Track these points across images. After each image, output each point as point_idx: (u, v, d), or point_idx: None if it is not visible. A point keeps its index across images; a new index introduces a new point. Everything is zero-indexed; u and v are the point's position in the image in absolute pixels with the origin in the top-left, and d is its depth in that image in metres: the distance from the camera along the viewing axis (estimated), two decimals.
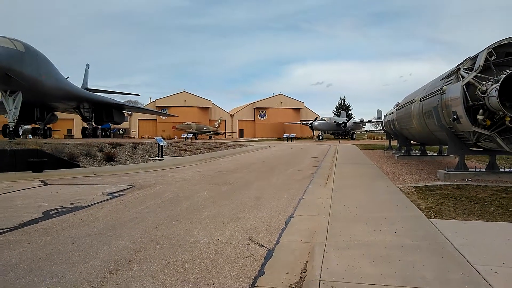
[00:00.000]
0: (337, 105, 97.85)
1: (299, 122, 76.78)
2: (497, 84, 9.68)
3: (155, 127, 75.52)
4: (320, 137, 63.72)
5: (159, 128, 74.11)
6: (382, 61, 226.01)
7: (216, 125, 73.37)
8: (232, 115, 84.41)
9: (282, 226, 6.79)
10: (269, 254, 5.32)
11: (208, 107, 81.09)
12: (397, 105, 23.19)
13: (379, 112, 64.17)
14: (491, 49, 11.00)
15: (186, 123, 65.15)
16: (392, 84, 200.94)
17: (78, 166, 15.71)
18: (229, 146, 34.82)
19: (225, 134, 77.03)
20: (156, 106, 75.88)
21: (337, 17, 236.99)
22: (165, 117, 69.24)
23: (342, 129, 63.93)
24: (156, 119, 75.79)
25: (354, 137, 67.11)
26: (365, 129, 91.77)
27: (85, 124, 41.93)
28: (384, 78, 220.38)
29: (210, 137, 67.55)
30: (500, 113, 10.14)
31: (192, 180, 12.71)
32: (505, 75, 9.59)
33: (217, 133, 71.28)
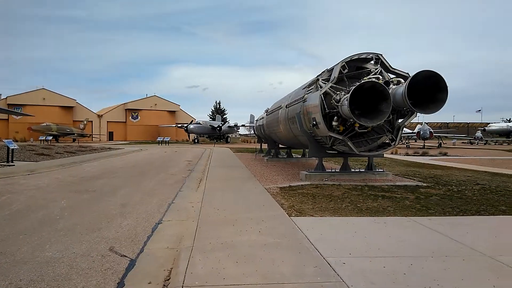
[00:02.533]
0: (213, 109, 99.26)
1: (174, 125, 75.42)
2: (348, 95, 10.90)
3: (6, 128, 65.86)
4: (196, 141, 63.70)
5: (12, 129, 64.86)
6: (258, 68, 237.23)
7: (82, 126, 67.40)
8: (100, 116, 78.56)
9: (148, 233, 6.50)
10: (132, 264, 5.02)
11: (72, 107, 74.03)
12: (267, 111, 24.49)
13: (252, 116, 67.02)
14: (344, 63, 12.38)
15: (44, 124, 58.36)
16: (266, 91, 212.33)
17: None
18: (95, 149, 32.36)
19: (92, 137, 71.38)
20: (8, 104, 66.31)
21: (218, 22, 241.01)
22: (19, 117, 61.01)
23: (217, 132, 64.90)
24: (8, 119, 66.17)
25: (229, 140, 68.79)
26: (239, 132, 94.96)
27: None
28: (259, 84, 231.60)
29: (74, 140, 61.76)
30: (351, 120, 11.42)
31: (48, 188, 11.38)
32: (354, 87, 10.86)
33: (83, 136, 65.56)
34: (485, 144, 61.16)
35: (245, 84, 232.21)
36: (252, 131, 48.92)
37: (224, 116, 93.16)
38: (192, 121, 66.28)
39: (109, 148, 37.30)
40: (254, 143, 48.36)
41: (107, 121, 79.09)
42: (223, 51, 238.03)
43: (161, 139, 55.88)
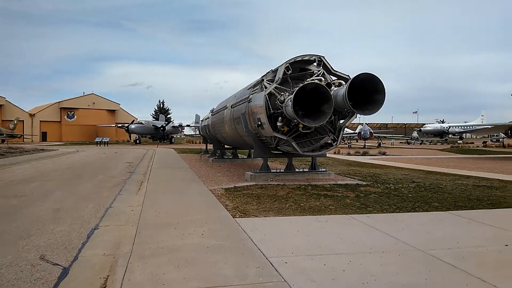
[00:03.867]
0: (156, 108, 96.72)
1: (114, 125, 72.47)
2: (292, 96, 11.06)
3: None
4: (138, 141, 61.70)
5: None
6: (204, 67, 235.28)
7: (12, 126, 62.70)
8: (32, 115, 73.50)
9: (83, 239, 6.11)
10: (65, 272, 4.67)
11: (1, 105, 68.76)
12: (212, 111, 24.27)
13: (197, 116, 66.16)
14: (288, 64, 12.55)
15: None
16: (211, 91, 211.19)
17: None
18: (27, 151, 30.25)
19: (23, 137, 66.68)
20: None
21: (162, 19, 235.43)
22: None
23: (160, 133, 63.37)
24: None
25: (173, 141, 67.40)
26: (184, 133, 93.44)
27: None
28: (204, 84, 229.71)
29: (3, 141, 57.36)
30: (295, 120, 11.60)
31: None
32: (297, 88, 11.03)
33: (13, 136, 60.96)
34: (420, 143, 65.23)
35: (190, 83, 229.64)
36: (198, 131, 48.33)
37: (168, 116, 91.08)
38: (134, 120, 64.20)
39: (42, 149, 35.06)
40: (200, 143, 47.82)
41: (40, 121, 74.18)
42: (167, 49, 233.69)
43: (100, 140, 53.46)
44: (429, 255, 5.06)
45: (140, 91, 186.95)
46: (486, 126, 44.62)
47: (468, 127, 67.27)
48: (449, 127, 77.37)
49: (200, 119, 36.35)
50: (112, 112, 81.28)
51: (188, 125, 71.75)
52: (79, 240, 6.04)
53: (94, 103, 78.92)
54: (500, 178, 13.96)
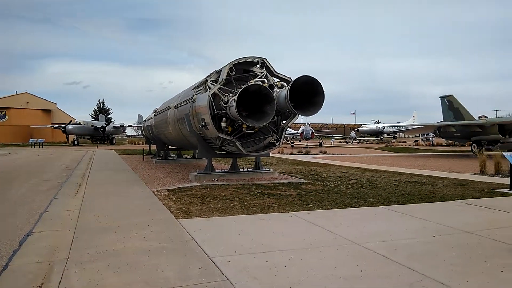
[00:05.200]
0: (96, 108, 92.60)
1: (50, 126, 68.30)
2: (235, 97, 11.14)
3: None
4: (76, 142, 58.60)
5: None
6: (147, 66, 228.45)
7: None
8: None
9: (15, 247, 5.73)
10: None
11: None
12: (155, 111, 23.73)
13: (140, 117, 64.25)
14: (231, 65, 12.62)
15: None
16: (155, 90, 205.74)
17: None
18: None
19: None
20: None
21: (102, 16, 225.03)
22: None
23: (100, 133, 60.70)
24: None
25: (114, 142, 64.83)
26: (126, 133, 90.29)
27: None
28: (148, 83, 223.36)
29: None
30: (239, 121, 11.70)
31: None
32: (241, 89, 11.14)
33: None
34: (358, 143, 68.26)
35: (132, 83, 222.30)
36: (140, 132, 46.94)
37: (109, 116, 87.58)
38: (71, 121, 60.93)
39: None
40: (142, 144, 46.51)
41: None
42: (108, 47, 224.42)
43: (34, 141, 50.15)
44: (365, 248, 5.36)
45: (78, 90, 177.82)
46: (417, 126, 47.72)
47: (401, 127, 71.46)
48: (384, 127, 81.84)
49: (143, 120, 35.34)
50: (47, 112, 76.43)
51: (130, 126, 69.42)
52: (10, 248, 5.66)
53: (28, 102, 73.70)
54: (429, 175, 15.05)
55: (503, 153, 12.31)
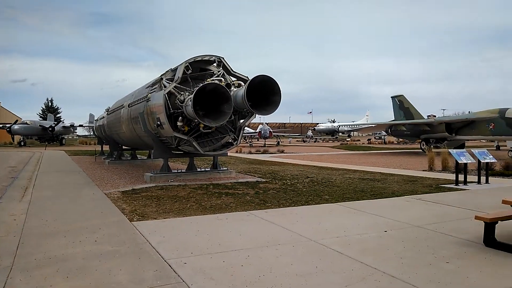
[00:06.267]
0: (44, 107, 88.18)
1: None
2: (192, 95, 10.99)
3: None
4: (22, 143, 55.46)
5: None
6: (100, 63, 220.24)
7: None
8: None
9: None
10: None
11: None
12: (108, 110, 22.93)
13: (92, 116, 61.83)
14: (187, 64, 12.43)
15: None
16: (109, 89, 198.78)
17: None
18: None
19: None
20: None
21: (50, 9, 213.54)
22: None
23: (49, 133, 57.83)
24: None
25: (64, 142, 62.03)
26: (77, 133, 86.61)
27: None
28: (101, 81, 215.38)
29: None
30: (196, 120, 11.55)
31: None
32: (197, 88, 11.00)
33: None
34: (315, 141, 69.76)
35: (84, 80, 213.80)
36: (92, 131, 45.17)
37: (58, 115, 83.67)
38: (17, 120, 57.61)
39: None
40: (95, 144, 44.86)
41: None
42: (57, 42, 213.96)
43: None
44: (320, 244, 5.46)
45: (25, 88, 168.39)
46: (370, 125, 49.52)
47: (355, 126, 73.88)
48: (339, 126, 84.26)
49: (95, 119, 34.02)
50: None
51: (81, 125, 66.54)
52: None
53: None
54: (381, 172, 15.62)
55: (450, 150, 13.01)
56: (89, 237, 5.86)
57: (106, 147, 28.22)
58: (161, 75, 13.16)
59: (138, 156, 22.90)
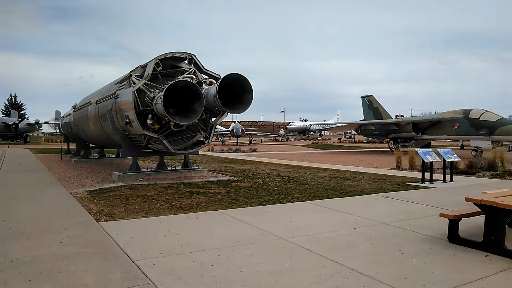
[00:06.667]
0: (7, 103, 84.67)
1: None
2: (162, 93, 10.81)
3: None
4: None
5: None
6: (65, 58, 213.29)
7: None
8: None
9: None
10: None
11: None
12: (74, 107, 22.25)
13: (58, 113, 59.82)
14: (158, 60, 12.21)
15: None
16: (74, 85, 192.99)
17: None
18: None
19: None
20: None
21: (7, 1, 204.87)
22: None
23: (13, 131, 55.59)
24: None
25: (29, 140, 59.74)
26: (43, 131, 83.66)
27: None
28: (66, 77, 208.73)
29: None
30: (166, 118, 11.37)
31: None
32: (168, 85, 10.82)
33: None
34: (287, 140, 70.30)
35: (48, 76, 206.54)
36: (58, 129, 43.73)
37: (22, 112, 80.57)
38: None
39: None
40: (61, 142, 43.49)
41: None
42: (20, 36, 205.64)
43: None
44: (290, 243, 5.49)
45: None
46: (341, 124, 50.43)
47: (326, 125, 74.99)
48: (311, 125, 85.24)
49: (61, 116, 32.90)
50: None
51: (46, 123, 64.33)
52: None
53: None
54: (351, 170, 15.91)
55: (416, 149, 13.40)
56: (54, 239, 5.65)
57: (72, 145, 27.38)
58: (131, 72, 12.87)
59: (106, 154, 22.33)
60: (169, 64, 12.82)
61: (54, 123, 63.50)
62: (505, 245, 4.91)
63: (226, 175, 14.03)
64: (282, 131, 78.58)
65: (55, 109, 65.26)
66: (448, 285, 4.00)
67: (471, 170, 15.10)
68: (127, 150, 13.29)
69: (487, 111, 23.49)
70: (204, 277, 4.17)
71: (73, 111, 21.84)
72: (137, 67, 12.86)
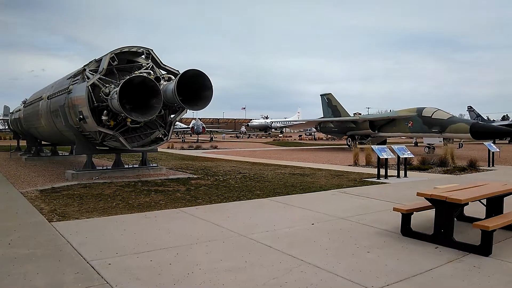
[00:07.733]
0: None
1: None
2: (118, 88, 10.47)
3: None
4: None
5: None
6: (13, 51, 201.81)
7: None
8: None
9: None
10: None
11: None
12: (24, 102, 21.15)
13: (6, 108, 56.56)
14: (113, 55, 11.82)
15: None
16: (24, 79, 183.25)
17: None
18: None
19: None
20: None
21: None
22: None
23: None
24: None
25: None
26: None
27: None
28: (16, 71, 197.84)
29: None
30: (122, 114, 11.04)
31: None
32: (124, 80, 10.51)
33: None
34: (248, 137, 70.40)
35: None
36: (7, 125, 41.38)
37: None
38: None
39: None
40: (10, 139, 41.21)
41: None
42: None
43: None
44: (250, 239, 5.51)
45: None
46: (301, 122, 51.14)
47: (287, 122, 75.83)
48: (272, 122, 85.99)
49: (10, 111, 31.16)
50: None
51: None
52: None
53: None
54: (310, 167, 16.19)
55: (373, 146, 13.84)
56: (2, 240, 5.35)
57: (23, 142, 26.02)
58: (84, 66, 12.38)
59: (59, 152, 21.41)
60: (126, 59, 12.46)
61: (2, 119, 60.00)
62: (453, 237, 5.18)
63: (186, 172, 13.86)
64: (243, 128, 78.66)
65: (3, 104, 61.64)
66: (400, 276, 4.16)
67: (423, 166, 15.80)
68: (81, 148, 12.80)
69: (438, 109, 24.56)
70: (162, 276, 4.10)
71: (23, 106, 20.75)
72: (92, 61, 12.40)
